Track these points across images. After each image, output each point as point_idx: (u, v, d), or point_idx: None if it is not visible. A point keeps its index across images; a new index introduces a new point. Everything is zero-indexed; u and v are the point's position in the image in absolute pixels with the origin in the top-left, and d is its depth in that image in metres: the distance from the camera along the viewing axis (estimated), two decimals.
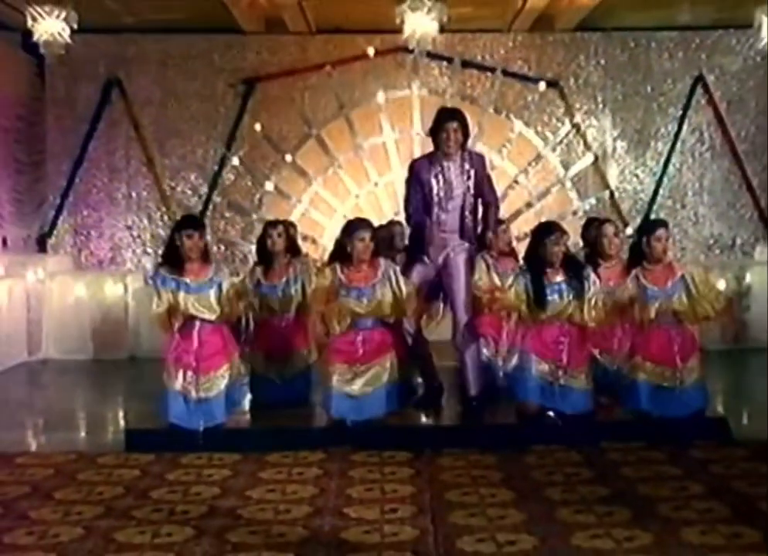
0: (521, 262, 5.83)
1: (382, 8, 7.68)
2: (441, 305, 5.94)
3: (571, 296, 5.34)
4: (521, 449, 5.04)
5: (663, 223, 5.68)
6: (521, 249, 6.04)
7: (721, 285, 7.70)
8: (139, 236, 9.57)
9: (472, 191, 5.64)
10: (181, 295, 5.26)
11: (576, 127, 9.57)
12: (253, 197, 9.52)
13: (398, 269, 5.45)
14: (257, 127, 9.34)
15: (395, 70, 9.47)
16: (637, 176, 9.67)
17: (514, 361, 5.63)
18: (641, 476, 4.58)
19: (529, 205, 9.49)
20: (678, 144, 9.59)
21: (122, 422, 6.18)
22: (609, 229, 6.12)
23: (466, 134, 5.64)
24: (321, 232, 9.31)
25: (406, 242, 6.14)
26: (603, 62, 9.60)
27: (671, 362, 5.37)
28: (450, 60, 9.47)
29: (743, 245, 9.65)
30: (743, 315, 8.53)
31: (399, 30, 7.44)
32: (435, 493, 4.34)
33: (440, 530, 3.83)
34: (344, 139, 9.47)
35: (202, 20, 8.90)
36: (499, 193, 6.42)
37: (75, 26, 7.37)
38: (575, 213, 9.32)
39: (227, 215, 9.54)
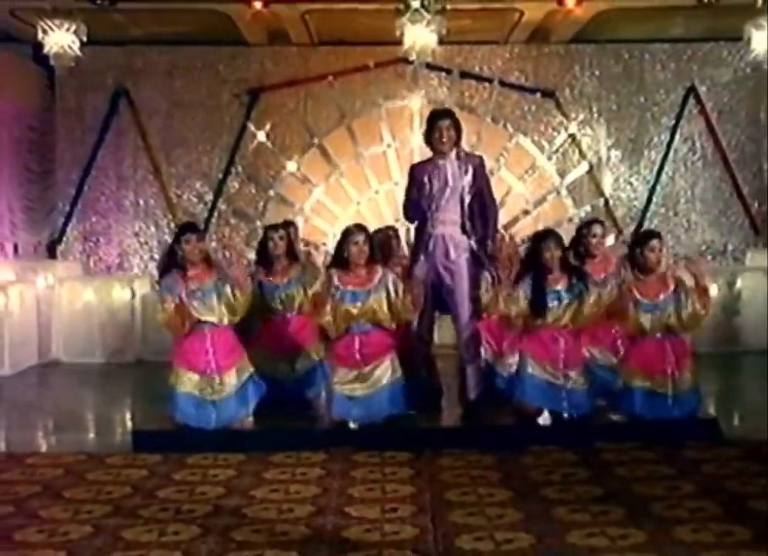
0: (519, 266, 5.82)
1: (382, 21, 7.70)
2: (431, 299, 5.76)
3: (569, 302, 5.39)
4: (519, 449, 5.06)
5: (656, 234, 5.66)
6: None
7: (713, 290, 7.81)
8: (146, 243, 9.66)
9: (471, 187, 5.61)
10: (186, 300, 5.34)
11: (571, 136, 9.65)
12: (257, 204, 9.62)
13: (397, 278, 5.45)
14: (260, 136, 9.44)
15: (396, 81, 9.54)
16: (630, 184, 9.74)
17: (513, 363, 5.68)
18: (635, 475, 4.60)
19: (526, 212, 9.58)
20: (671, 153, 9.67)
21: (130, 424, 6.23)
22: (597, 229, 6.19)
23: (459, 133, 5.64)
24: (322, 238, 9.38)
25: (403, 246, 6.24)
26: (597, 73, 9.66)
27: (664, 371, 5.40)
28: (448, 71, 9.53)
29: (734, 251, 9.72)
30: (735, 319, 8.62)
31: (399, 42, 7.43)
32: (435, 492, 4.36)
33: (439, 529, 3.84)
34: (345, 148, 9.56)
35: (208, 32, 8.96)
36: (497, 200, 6.47)
37: (84, 39, 7.45)
38: (570, 220, 9.39)
39: (232, 221, 9.64)
